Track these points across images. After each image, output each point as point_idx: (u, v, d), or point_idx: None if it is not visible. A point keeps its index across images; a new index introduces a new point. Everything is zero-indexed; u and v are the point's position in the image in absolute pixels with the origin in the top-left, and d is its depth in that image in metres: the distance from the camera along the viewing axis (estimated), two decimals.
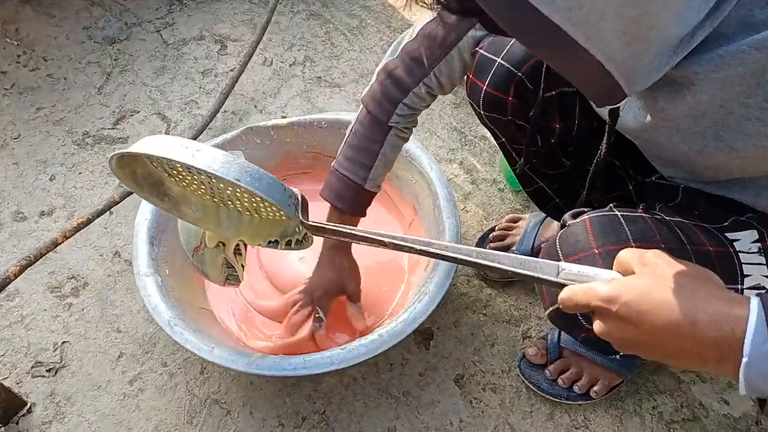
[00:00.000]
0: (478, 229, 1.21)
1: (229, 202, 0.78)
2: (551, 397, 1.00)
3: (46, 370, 1.05)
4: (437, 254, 0.62)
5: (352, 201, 0.93)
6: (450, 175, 1.29)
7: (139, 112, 1.42)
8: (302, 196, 0.68)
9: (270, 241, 0.81)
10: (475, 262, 0.60)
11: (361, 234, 0.65)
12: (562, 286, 0.56)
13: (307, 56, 1.54)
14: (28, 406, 1.01)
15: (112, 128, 1.39)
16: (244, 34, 1.59)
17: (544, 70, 0.81)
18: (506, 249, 1.14)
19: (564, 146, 0.88)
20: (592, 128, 0.84)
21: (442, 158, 1.33)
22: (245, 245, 0.90)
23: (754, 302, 0.48)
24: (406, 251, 0.64)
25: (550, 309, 0.70)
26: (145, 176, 0.75)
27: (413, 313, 0.92)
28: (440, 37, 0.83)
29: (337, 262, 1.01)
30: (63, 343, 1.08)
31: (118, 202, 1.10)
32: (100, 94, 1.45)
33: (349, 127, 0.93)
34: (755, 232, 0.71)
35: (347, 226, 0.66)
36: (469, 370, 1.04)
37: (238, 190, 0.72)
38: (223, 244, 0.88)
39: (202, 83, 1.47)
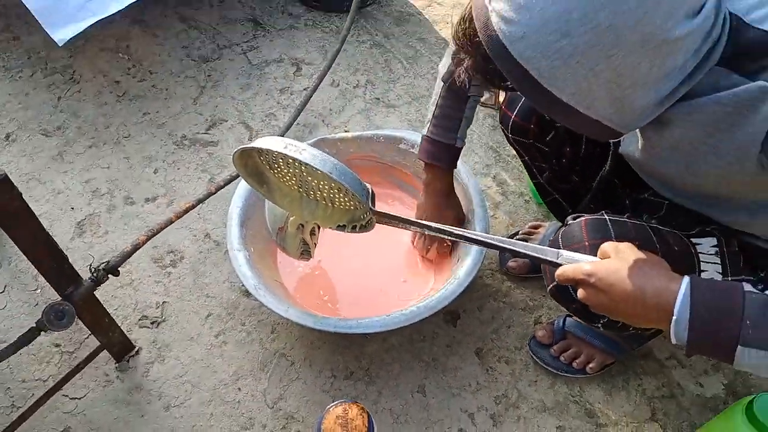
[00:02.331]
0: (504, 233, 1.44)
1: (311, 192, 1.03)
2: (554, 370, 1.22)
3: (150, 323, 1.32)
4: (471, 239, 0.86)
5: (448, 158, 1.19)
6: (484, 186, 1.53)
7: (227, 121, 1.70)
8: (372, 190, 0.93)
9: (339, 225, 1.06)
10: (500, 245, 0.84)
11: (414, 222, 0.90)
12: (559, 266, 0.80)
13: (368, 80, 1.80)
14: (136, 349, 1.28)
15: (205, 133, 1.67)
16: (316, 58, 1.87)
17: None
18: None
19: (572, 165, 1.11)
20: (595, 153, 1.06)
21: (478, 172, 1.56)
22: (319, 228, 1.16)
23: (686, 280, 0.70)
24: (447, 236, 0.89)
25: (551, 285, 0.94)
26: (252, 167, 1.01)
27: (444, 293, 1.16)
28: None
29: (447, 197, 1.26)
30: (163, 302, 1.35)
31: (213, 193, 1.37)
32: (195, 104, 1.74)
33: (433, 102, 1.16)
34: (715, 239, 0.93)
35: (403, 216, 0.91)
36: (488, 345, 1.27)
37: (322, 182, 0.97)
38: (302, 227, 1.14)
39: (280, 99, 1.75)
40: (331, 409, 0.98)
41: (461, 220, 1.31)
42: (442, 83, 1.13)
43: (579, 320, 1.06)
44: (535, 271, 1.35)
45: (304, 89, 1.76)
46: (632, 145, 0.90)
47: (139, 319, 1.33)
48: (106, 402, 1.21)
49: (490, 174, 1.57)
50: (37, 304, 1.34)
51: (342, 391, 1.21)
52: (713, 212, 0.91)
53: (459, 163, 1.34)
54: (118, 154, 1.63)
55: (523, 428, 1.16)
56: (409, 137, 1.39)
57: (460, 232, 0.87)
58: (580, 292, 0.77)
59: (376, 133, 1.42)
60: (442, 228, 0.88)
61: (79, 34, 1.49)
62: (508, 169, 1.57)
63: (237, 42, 1.92)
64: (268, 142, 0.89)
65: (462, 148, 1.20)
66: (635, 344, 1.20)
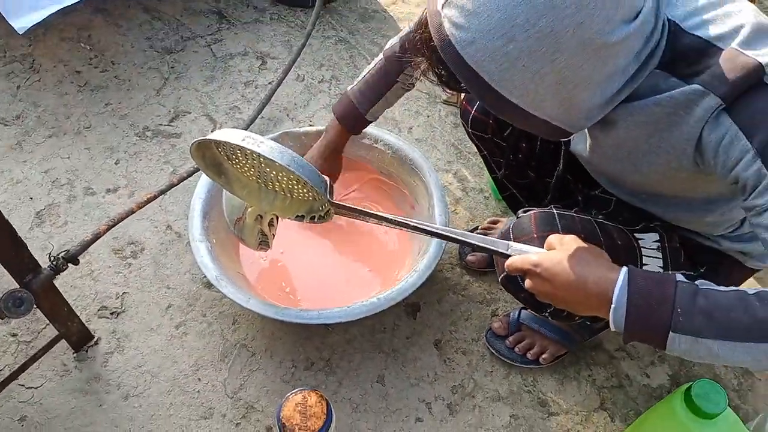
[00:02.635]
0: (464, 228, 1.48)
1: (270, 184, 1.04)
2: (509, 361, 1.25)
3: (110, 313, 1.32)
4: (426, 230, 0.88)
5: (354, 123, 1.21)
6: (445, 182, 1.56)
7: (190, 113, 1.70)
8: (330, 182, 0.95)
9: (297, 216, 1.07)
10: (453, 237, 0.86)
11: (371, 213, 0.92)
12: (509, 257, 0.83)
13: (333, 75, 1.82)
14: (95, 339, 1.27)
15: (168, 125, 1.67)
16: (281, 52, 1.87)
17: None
18: None
19: (528, 161, 1.15)
20: (549, 150, 1.10)
21: (440, 168, 1.60)
22: (277, 219, 1.17)
23: (624, 270, 0.74)
24: (404, 228, 0.91)
25: (502, 275, 0.97)
26: (210, 158, 1.02)
27: (405, 285, 1.19)
28: None
29: (331, 156, 1.28)
30: (123, 293, 1.35)
31: (176, 185, 1.37)
32: (158, 96, 1.73)
33: (368, 68, 1.18)
34: (657, 234, 0.98)
35: (361, 208, 0.93)
36: (446, 337, 1.30)
37: (280, 173, 0.99)
38: (261, 218, 1.15)
39: (244, 92, 1.76)
40: (290, 397, 1.00)
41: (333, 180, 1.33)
42: (382, 56, 1.16)
43: (531, 311, 1.09)
44: (494, 265, 1.39)
45: (269, 83, 1.77)
46: (581, 144, 0.94)
47: (99, 310, 1.32)
48: (64, 391, 1.20)
49: (452, 170, 1.60)
50: None
51: (302, 382, 1.23)
52: (656, 209, 0.96)
53: (420, 158, 1.38)
54: (79, 145, 1.61)
55: (478, 417, 1.20)
56: (372, 132, 1.41)
57: (416, 224, 0.89)
58: (527, 282, 0.80)
59: None
60: (398, 219, 0.90)
61: (40, 22, 1.48)
62: (468, 166, 1.61)
63: (201, 34, 1.91)
64: (226, 135, 0.90)
65: (370, 122, 1.23)
66: (587, 336, 1.25)
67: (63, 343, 1.22)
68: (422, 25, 0.76)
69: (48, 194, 1.50)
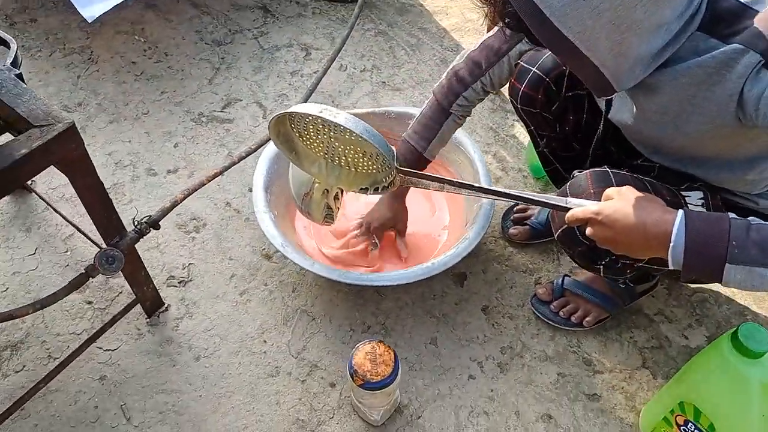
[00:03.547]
0: (504, 206, 1.55)
1: (336, 158, 1.13)
2: (554, 324, 1.33)
3: (178, 282, 1.41)
4: (488, 190, 0.96)
5: (413, 163, 1.29)
6: None
7: (241, 100, 1.79)
8: (396, 151, 1.03)
9: (361, 188, 1.15)
10: (513, 195, 0.94)
11: (436, 177, 1.00)
12: (568, 210, 0.90)
13: (374, 65, 1.91)
14: (166, 305, 1.36)
15: (221, 111, 1.76)
16: (324, 44, 1.97)
17: (565, 77, 1.16)
18: (527, 219, 1.48)
19: (575, 134, 1.23)
20: (595, 123, 1.18)
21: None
22: (342, 193, 1.26)
23: (680, 212, 0.82)
24: (466, 190, 0.99)
25: (559, 230, 1.05)
26: (284, 134, 1.10)
27: (457, 250, 1.27)
28: (496, 47, 1.18)
29: (395, 205, 1.38)
30: (189, 264, 1.44)
31: (236, 163, 1.46)
32: (210, 85, 1.83)
33: (420, 110, 1.28)
34: (701, 193, 1.05)
35: (427, 173, 1.01)
36: (493, 303, 1.38)
37: (347, 147, 1.07)
38: (327, 192, 1.24)
39: (291, 81, 1.85)
40: (360, 347, 1.08)
41: (400, 231, 1.44)
42: (432, 95, 1.27)
43: (581, 266, 1.15)
44: (535, 237, 1.47)
45: (314, 72, 1.86)
46: (625, 113, 1.02)
47: (167, 279, 1.41)
48: (139, 353, 1.29)
49: (491, 152, 1.68)
50: (67, 265, 1.41)
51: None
52: (699, 171, 1.03)
53: (465, 137, 1.46)
54: (139, 130, 1.71)
55: (527, 374, 1.27)
56: (415, 114, 1.49)
57: (478, 186, 0.97)
58: (588, 230, 0.88)
59: (388, 109, 1.53)
60: (461, 182, 0.98)
61: (106, 11, 1.58)
62: (507, 148, 1.69)
63: (248, 27, 2.01)
64: (304, 107, 0.98)
65: (428, 162, 1.30)
66: (627, 301, 1.32)
67: (136, 309, 1.31)
68: None
69: (113, 174, 1.60)
